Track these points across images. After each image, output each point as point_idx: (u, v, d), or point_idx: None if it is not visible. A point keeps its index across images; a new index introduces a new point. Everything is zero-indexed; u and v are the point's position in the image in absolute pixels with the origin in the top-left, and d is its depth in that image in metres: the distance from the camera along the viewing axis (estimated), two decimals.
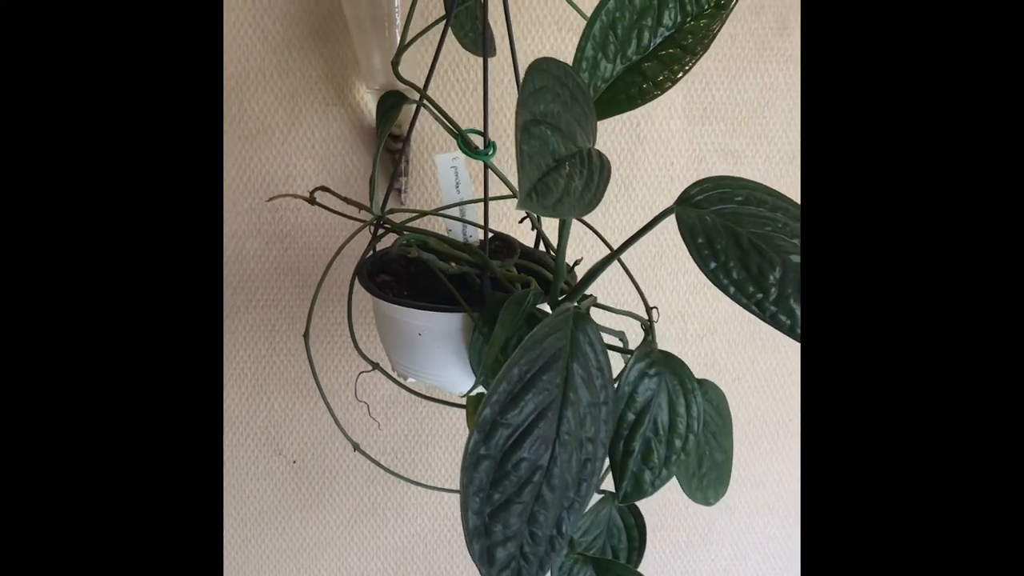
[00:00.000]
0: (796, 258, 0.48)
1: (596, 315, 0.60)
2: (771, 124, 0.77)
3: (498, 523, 0.44)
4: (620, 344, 0.62)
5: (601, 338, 0.49)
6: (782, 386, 0.85)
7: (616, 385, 0.51)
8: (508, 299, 0.54)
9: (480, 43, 0.62)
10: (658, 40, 0.52)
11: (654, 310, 0.63)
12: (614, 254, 0.53)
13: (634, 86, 0.51)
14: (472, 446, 0.43)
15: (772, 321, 0.47)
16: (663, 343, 0.82)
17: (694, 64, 0.51)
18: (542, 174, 0.42)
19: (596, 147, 0.48)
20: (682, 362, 0.53)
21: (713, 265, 0.47)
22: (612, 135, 0.76)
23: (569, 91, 0.46)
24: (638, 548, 0.60)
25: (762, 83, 0.76)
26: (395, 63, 0.60)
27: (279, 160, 0.75)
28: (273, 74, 0.73)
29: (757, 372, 0.84)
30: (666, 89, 0.51)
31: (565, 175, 0.44)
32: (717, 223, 0.49)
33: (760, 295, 0.47)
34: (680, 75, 0.51)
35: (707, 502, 0.62)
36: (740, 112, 0.77)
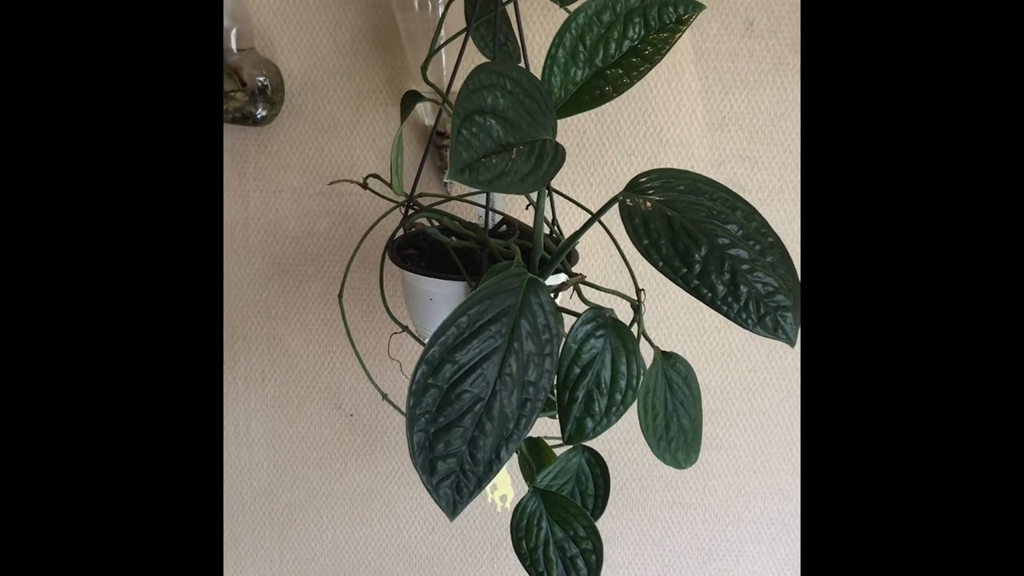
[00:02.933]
0: (723, 240, 0.56)
1: (591, 295, 0.69)
2: (787, 132, 0.84)
3: (441, 441, 0.53)
4: None
5: (552, 302, 0.58)
6: (797, 379, 0.91)
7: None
8: (492, 268, 0.64)
9: (497, 49, 0.72)
10: (623, 51, 0.60)
11: (642, 292, 0.71)
12: (594, 217, 0.61)
13: (598, 88, 0.60)
14: (419, 376, 0.53)
15: (695, 292, 0.55)
16: (681, 334, 0.90)
17: (650, 69, 0.59)
18: (480, 155, 0.52)
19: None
20: (627, 327, 0.61)
21: (646, 242, 0.55)
22: (636, 139, 0.85)
23: (523, 89, 0.55)
24: (603, 495, 0.68)
25: (778, 95, 0.83)
26: (423, 68, 0.71)
27: (345, 151, 0.87)
28: (343, 77, 0.85)
29: (772, 365, 0.90)
30: (622, 91, 0.59)
31: (511, 159, 0.54)
32: (656, 207, 0.57)
33: (685, 270, 0.55)
34: (637, 79, 0.59)
35: (678, 464, 0.70)
36: (757, 121, 0.84)
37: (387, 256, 0.74)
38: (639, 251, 0.55)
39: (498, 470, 0.55)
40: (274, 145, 0.87)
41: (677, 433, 0.69)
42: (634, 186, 0.59)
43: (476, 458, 0.55)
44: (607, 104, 0.84)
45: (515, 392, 0.56)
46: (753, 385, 0.91)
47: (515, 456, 0.79)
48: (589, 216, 0.71)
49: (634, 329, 0.71)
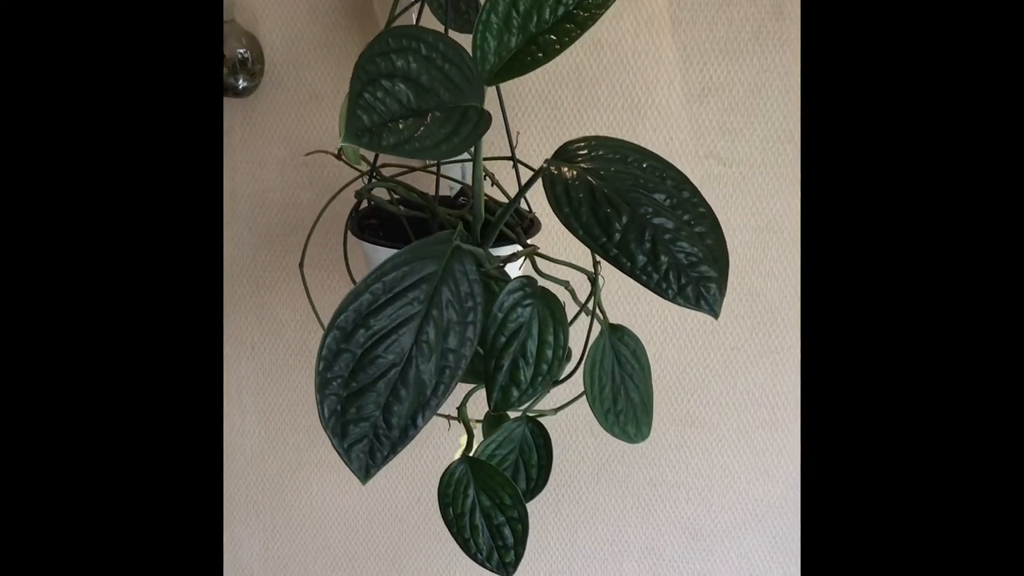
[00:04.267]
0: (646, 209, 0.55)
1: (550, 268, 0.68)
2: (768, 104, 0.81)
3: (353, 406, 0.54)
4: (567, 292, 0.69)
5: (476, 271, 0.58)
6: (781, 358, 0.88)
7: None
8: (432, 237, 0.64)
9: (451, 18, 0.71)
10: (558, 16, 0.59)
11: (599, 264, 0.70)
12: (528, 183, 0.61)
13: (530, 55, 0.59)
14: (330, 341, 0.53)
15: (614, 262, 0.54)
16: (661, 310, 0.88)
17: (581, 35, 0.58)
18: (387, 120, 0.52)
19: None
20: (556, 297, 0.60)
21: (567, 210, 0.55)
22: (613, 111, 0.83)
23: (441, 54, 0.55)
24: (546, 467, 0.67)
25: (759, 65, 0.80)
26: None
27: (327, 122, 0.87)
28: (322, 49, 0.85)
29: (756, 343, 0.88)
30: (552, 57, 0.58)
31: (424, 124, 0.53)
32: (580, 175, 0.56)
33: (604, 239, 0.54)
34: (568, 45, 0.58)
35: (628, 438, 0.69)
36: (738, 92, 0.81)
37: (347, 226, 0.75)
38: (559, 219, 0.55)
39: (414, 435, 0.55)
40: (258, 116, 0.88)
41: (626, 406, 0.68)
42: (561, 153, 0.58)
43: (391, 423, 0.55)
44: (585, 75, 0.83)
45: (433, 359, 0.55)
46: (736, 363, 0.89)
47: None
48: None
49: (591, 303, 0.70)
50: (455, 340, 0.56)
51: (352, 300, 0.54)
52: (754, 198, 0.84)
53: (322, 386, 0.53)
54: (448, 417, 0.68)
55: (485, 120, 0.56)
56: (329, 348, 0.54)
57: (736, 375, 0.89)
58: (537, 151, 0.85)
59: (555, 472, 0.96)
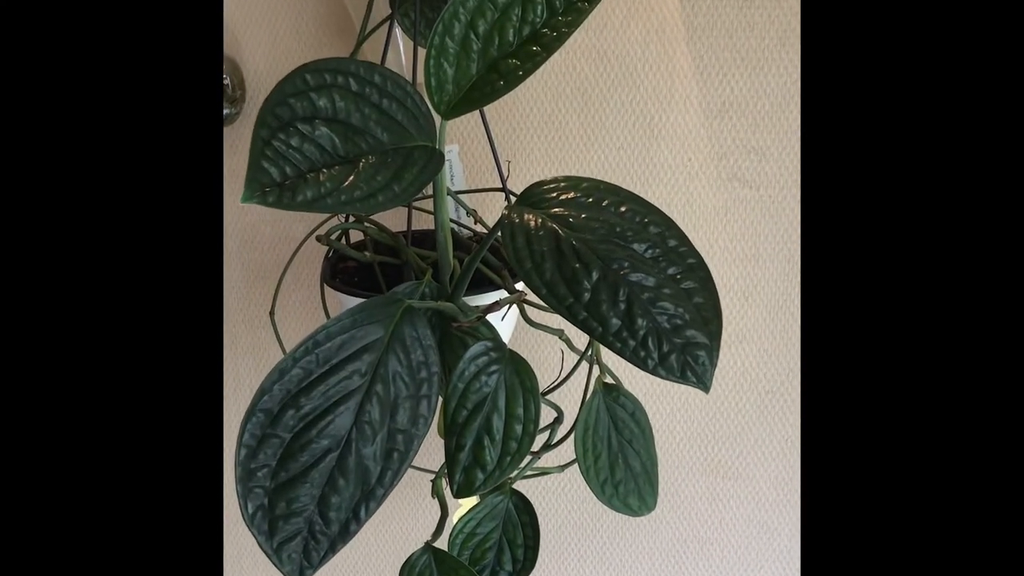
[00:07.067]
0: (621, 264, 0.47)
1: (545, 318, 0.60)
2: (797, 118, 0.71)
3: (283, 499, 0.46)
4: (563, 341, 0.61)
5: (430, 335, 0.50)
6: None
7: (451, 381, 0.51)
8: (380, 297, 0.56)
9: (424, 34, 0.63)
10: (523, 37, 0.51)
11: None
12: (491, 232, 0.53)
13: (490, 83, 0.51)
14: (252, 426, 0.46)
15: (583, 326, 0.46)
16: None
17: (547, 59, 0.50)
18: (305, 171, 0.44)
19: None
20: (526, 363, 0.52)
21: (528, 266, 0.47)
22: (625, 131, 0.74)
23: (378, 88, 0.47)
24: (533, 547, 0.59)
25: (786, 75, 0.71)
26: (353, 56, 0.64)
27: None
28: None
29: (792, 387, 0.78)
30: (515, 85, 0.50)
31: (356, 171, 0.46)
32: (545, 224, 0.48)
33: (571, 300, 0.46)
34: (532, 70, 0.50)
35: (631, 511, 0.60)
36: (763, 106, 0.72)
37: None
38: (520, 275, 0.47)
39: (356, 531, 0.48)
40: (244, 145, 0.82)
41: (625, 476, 0.60)
42: (527, 197, 0.50)
43: (328, 518, 0.47)
44: (590, 92, 0.75)
45: (377, 441, 0.48)
46: (772, 408, 0.79)
47: None
48: None
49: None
50: (405, 418, 0.49)
51: (278, 377, 0.47)
52: (786, 224, 0.74)
53: (244, 478, 0.46)
54: None
55: (435, 161, 0.49)
56: (252, 434, 0.46)
57: (772, 421, 0.80)
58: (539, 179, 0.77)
59: (576, 528, 0.88)
